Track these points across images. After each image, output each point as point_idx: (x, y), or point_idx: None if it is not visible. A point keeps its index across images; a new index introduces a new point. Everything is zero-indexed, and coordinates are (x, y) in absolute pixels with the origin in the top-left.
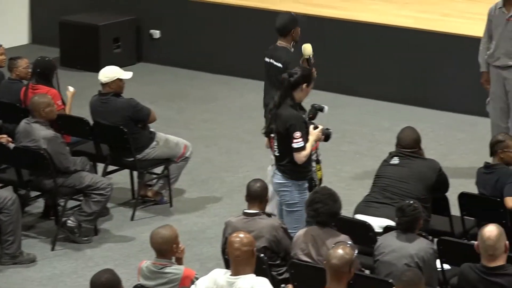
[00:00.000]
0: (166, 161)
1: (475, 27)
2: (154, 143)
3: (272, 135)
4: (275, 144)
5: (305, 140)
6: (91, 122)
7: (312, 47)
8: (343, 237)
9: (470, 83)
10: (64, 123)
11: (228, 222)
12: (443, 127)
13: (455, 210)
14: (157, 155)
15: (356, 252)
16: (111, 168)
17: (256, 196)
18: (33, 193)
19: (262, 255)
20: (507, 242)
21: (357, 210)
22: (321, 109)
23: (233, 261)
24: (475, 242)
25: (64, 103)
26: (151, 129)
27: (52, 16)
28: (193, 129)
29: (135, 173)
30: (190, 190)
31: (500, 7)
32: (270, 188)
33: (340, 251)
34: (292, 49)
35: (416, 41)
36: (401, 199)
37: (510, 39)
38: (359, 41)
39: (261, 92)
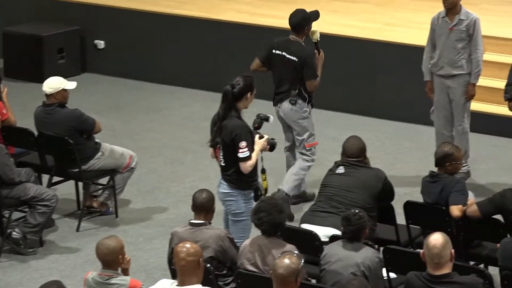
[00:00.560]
0: (111, 171)
1: (419, 36)
2: (99, 153)
3: (218, 145)
4: (221, 154)
5: (251, 149)
6: (36, 133)
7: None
8: (290, 246)
9: (414, 92)
10: (8, 134)
11: (174, 232)
12: (388, 136)
13: (400, 218)
14: (103, 166)
15: (303, 261)
16: (56, 179)
17: (202, 207)
18: None
19: (208, 265)
20: (452, 250)
21: (303, 220)
22: (266, 119)
23: (179, 271)
24: (421, 251)
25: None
26: (96, 140)
27: None
28: (138, 140)
29: (80, 184)
30: (136, 201)
31: (443, 17)
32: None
33: (286, 261)
34: (304, 44)
35: (361, 50)
36: (346, 208)
37: (453, 48)
38: None
39: (206, 101)
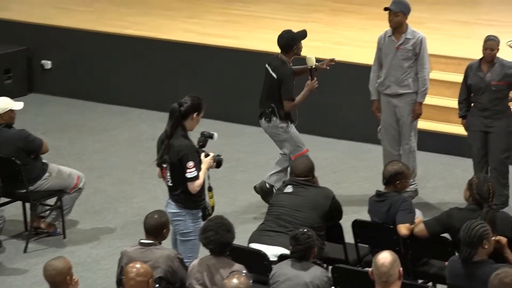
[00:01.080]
0: (59, 192)
1: (366, 55)
2: (47, 174)
3: (165, 165)
4: (168, 174)
5: (198, 169)
6: None
7: (204, 76)
8: (238, 266)
9: (361, 111)
10: None
11: (124, 251)
12: (336, 155)
13: (349, 237)
14: (50, 187)
15: (251, 281)
16: (3, 200)
17: (151, 230)
18: None
19: (157, 285)
20: (401, 269)
21: (252, 239)
22: (211, 136)
23: None
24: (369, 269)
25: None
26: (44, 160)
27: None
28: (86, 160)
29: (27, 205)
30: (84, 221)
31: (390, 36)
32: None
33: (235, 281)
34: (291, 64)
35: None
36: (295, 227)
37: (400, 67)
38: (251, 70)
39: (154, 121)
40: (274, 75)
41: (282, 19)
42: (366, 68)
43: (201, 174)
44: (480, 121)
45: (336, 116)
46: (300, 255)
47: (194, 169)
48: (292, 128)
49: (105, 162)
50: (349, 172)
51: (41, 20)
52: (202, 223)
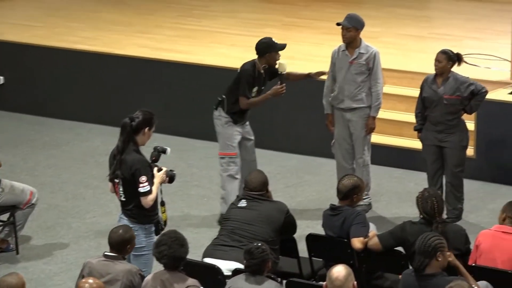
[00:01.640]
0: (12, 208)
1: (319, 70)
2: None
3: (117, 180)
4: (120, 189)
5: (151, 183)
6: None
7: (157, 91)
8: (192, 281)
9: (315, 125)
10: None
11: (87, 262)
12: (289, 169)
13: (303, 251)
14: (3, 202)
15: None
16: None
17: (114, 244)
18: None
19: None
20: (355, 282)
21: (206, 254)
22: (164, 151)
23: None
24: (324, 283)
25: None
26: None
27: None
28: (39, 175)
29: None
30: (37, 237)
31: (343, 50)
32: None
33: None
34: (262, 71)
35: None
36: (249, 241)
37: (353, 81)
38: (204, 84)
39: (106, 136)
40: (238, 70)
41: (234, 34)
42: (319, 83)
43: (154, 188)
44: (433, 136)
45: (289, 130)
46: (254, 269)
47: (147, 183)
48: (232, 129)
49: (58, 178)
50: (303, 186)
51: None
52: (155, 237)
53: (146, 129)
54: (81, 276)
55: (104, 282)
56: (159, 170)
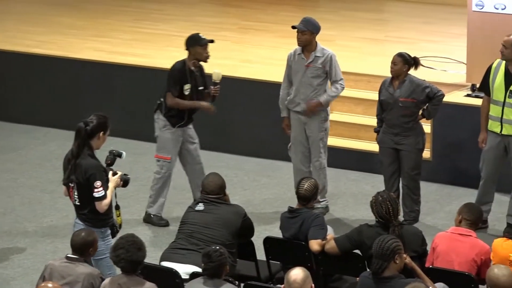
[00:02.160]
0: None
1: (276, 73)
2: None
3: (71, 184)
4: (75, 193)
5: (106, 188)
6: None
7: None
8: (150, 284)
9: (272, 128)
10: None
11: (48, 263)
12: (246, 173)
13: (260, 254)
14: None
15: None
16: None
17: (76, 247)
18: None
19: None
20: (313, 285)
21: (163, 257)
22: (119, 155)
23: None
24: (281, 286)
25: None
26: None
27: None
28: None
29: None
30: None
31: (299, 53)
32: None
33: None
34: (193, 68)
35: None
36: (207, 245)
37: (309, 85)
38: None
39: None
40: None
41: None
42: (276, 86)
43: (109, 192)
44: (389, 138)
45: (246, 133)
46: (212, 272)
47: (101, 188)
48: (167, 133)
49: (14, 182)
50: (260, 189)
51: None
52: (112, 240)
53: (101, 133)
54: (42, 277)
55: (64, 284)
56: (114, 174)
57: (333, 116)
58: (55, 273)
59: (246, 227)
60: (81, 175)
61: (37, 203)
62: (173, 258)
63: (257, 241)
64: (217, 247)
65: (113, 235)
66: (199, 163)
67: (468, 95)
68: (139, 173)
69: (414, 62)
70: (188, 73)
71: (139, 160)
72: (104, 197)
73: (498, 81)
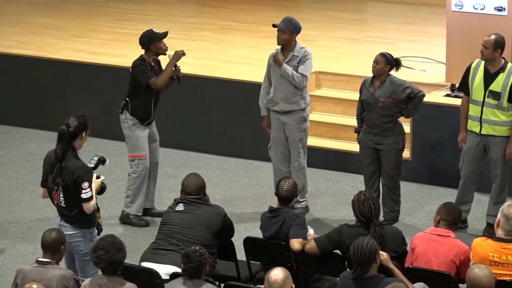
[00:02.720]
0: None
1: (256, 73)
2: None
3: (56, 187)
4: (61, 196)
5: (92, 189)
6: None
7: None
8: (130, 285)
9: (252, 128)
10: None
11: (20, 269)
12: (226, 173)
13: (241, 254)
14: None
15: None
16: None
17: (49, 246)
18: None
19: None
20: (293, 285)
21: (143, 258)
22: (103, 162)
23: None
24: (262, 286)
25: None
26: None
27: None
28: None
29: None
30: None
31: (280, 53)
32: None
33: None
34: (153, 64)
35: (198, 87)
36: (186, 245)
37: (288, 84)
38: None
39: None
40: (130, 70)
41: (170, 37)
42: (255, 86)
43: (94, 194)
44: (369, 138)
45: (225, 133)
46: (192, 272)
47: (89, 189)
48: (138, 131)
49: None
50: (240, 189)
51: None
52: None
53: (83, 133)
54: (15, 284)
55: None
56: (97, 177)
57: (313, 116)
58: (27, 278)
59: (226, 228)
60: (68, 177)
61: (16, 203)
62: (153, 258)
63: (237, 241)
64: (197, 248)
65: (99, 234)
66: (157, 161)
67: (447, 95)
68: (118, 173)
69: (396, 63)
70: (150, 69)
71: (119, 161)
72: (91, 198)
73: (478, 81)
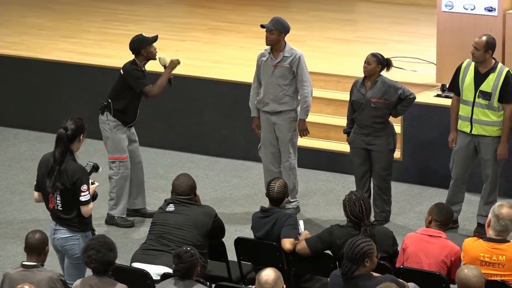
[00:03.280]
0: None
1: (246, 73)
2: None
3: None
4: (58, 199)
5: (89, 192)
6: None
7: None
8: (121, 286)
9: (242, 128)
10: None
11: (6, 273)
12: (217, 173)
13: (231, 255)
14: None
15: None
16: None
17: (34, 248)
18: None
19: None
20: (284, 286)
21: (134, 258)
22: (97, 169)
23: None
24: (253, 287)
25: None
26: None
27: None
28: None
29: None
30: None
31: (268, 53)
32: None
33: None
34: (143, 68)
35: (189, 88)
36: (177, 246)
37: (278, 85)
38: None
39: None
40: (121, 71)
41: (161, 38)
42: (245, 86)
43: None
44: (360, 139)
45: (216, 134)
46: (183, 273)
47: (87, 192)
48: (119, 133)
49: None
50: (231, 190)
51: None
52: None
53: (81, 136)
54: None
55: None
56: (92, 183)
57: None
58: (14, 283)
59: (217, 228)
60: (68, 180)
61: (7, 204)
62: (144, 259)
63: (228, 241)
64: (188, 248)
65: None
66: (140, 162)
67: (438, 95)
68: (107, 174)
69: (387, 64)
70: (143, 74)
71: (107, 161)
72: (90, 200)
73: (468, 81)
